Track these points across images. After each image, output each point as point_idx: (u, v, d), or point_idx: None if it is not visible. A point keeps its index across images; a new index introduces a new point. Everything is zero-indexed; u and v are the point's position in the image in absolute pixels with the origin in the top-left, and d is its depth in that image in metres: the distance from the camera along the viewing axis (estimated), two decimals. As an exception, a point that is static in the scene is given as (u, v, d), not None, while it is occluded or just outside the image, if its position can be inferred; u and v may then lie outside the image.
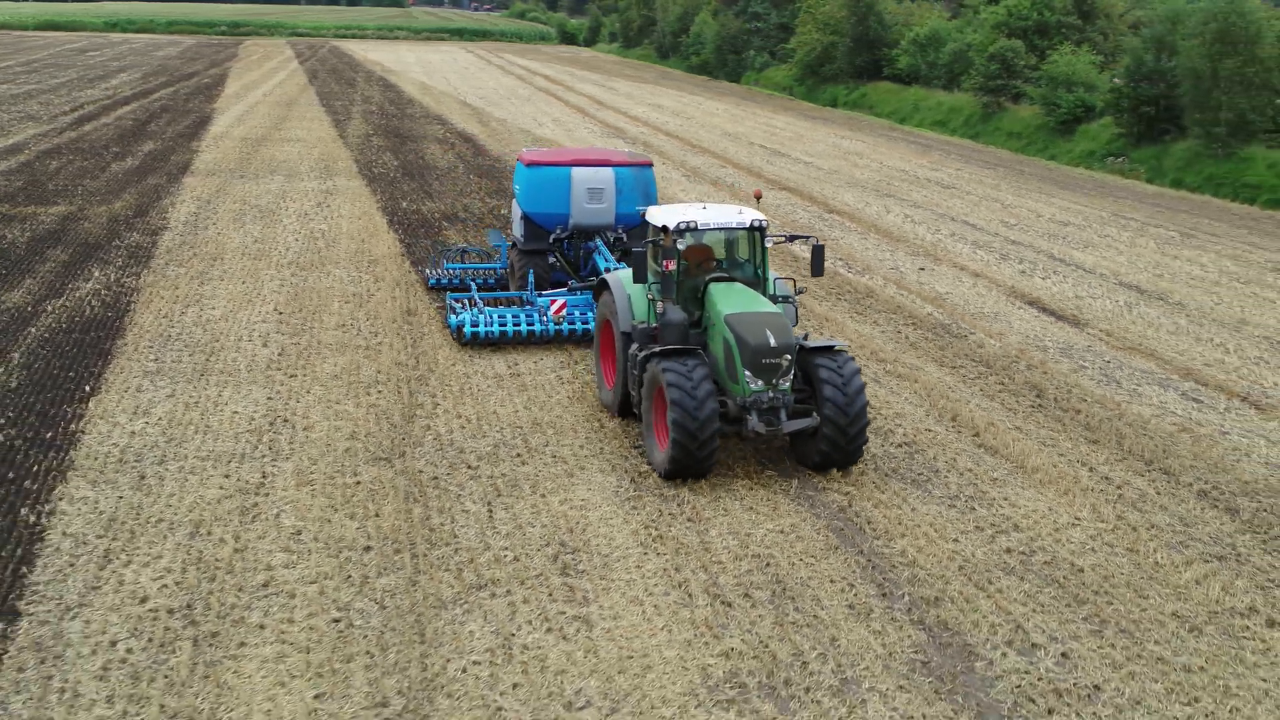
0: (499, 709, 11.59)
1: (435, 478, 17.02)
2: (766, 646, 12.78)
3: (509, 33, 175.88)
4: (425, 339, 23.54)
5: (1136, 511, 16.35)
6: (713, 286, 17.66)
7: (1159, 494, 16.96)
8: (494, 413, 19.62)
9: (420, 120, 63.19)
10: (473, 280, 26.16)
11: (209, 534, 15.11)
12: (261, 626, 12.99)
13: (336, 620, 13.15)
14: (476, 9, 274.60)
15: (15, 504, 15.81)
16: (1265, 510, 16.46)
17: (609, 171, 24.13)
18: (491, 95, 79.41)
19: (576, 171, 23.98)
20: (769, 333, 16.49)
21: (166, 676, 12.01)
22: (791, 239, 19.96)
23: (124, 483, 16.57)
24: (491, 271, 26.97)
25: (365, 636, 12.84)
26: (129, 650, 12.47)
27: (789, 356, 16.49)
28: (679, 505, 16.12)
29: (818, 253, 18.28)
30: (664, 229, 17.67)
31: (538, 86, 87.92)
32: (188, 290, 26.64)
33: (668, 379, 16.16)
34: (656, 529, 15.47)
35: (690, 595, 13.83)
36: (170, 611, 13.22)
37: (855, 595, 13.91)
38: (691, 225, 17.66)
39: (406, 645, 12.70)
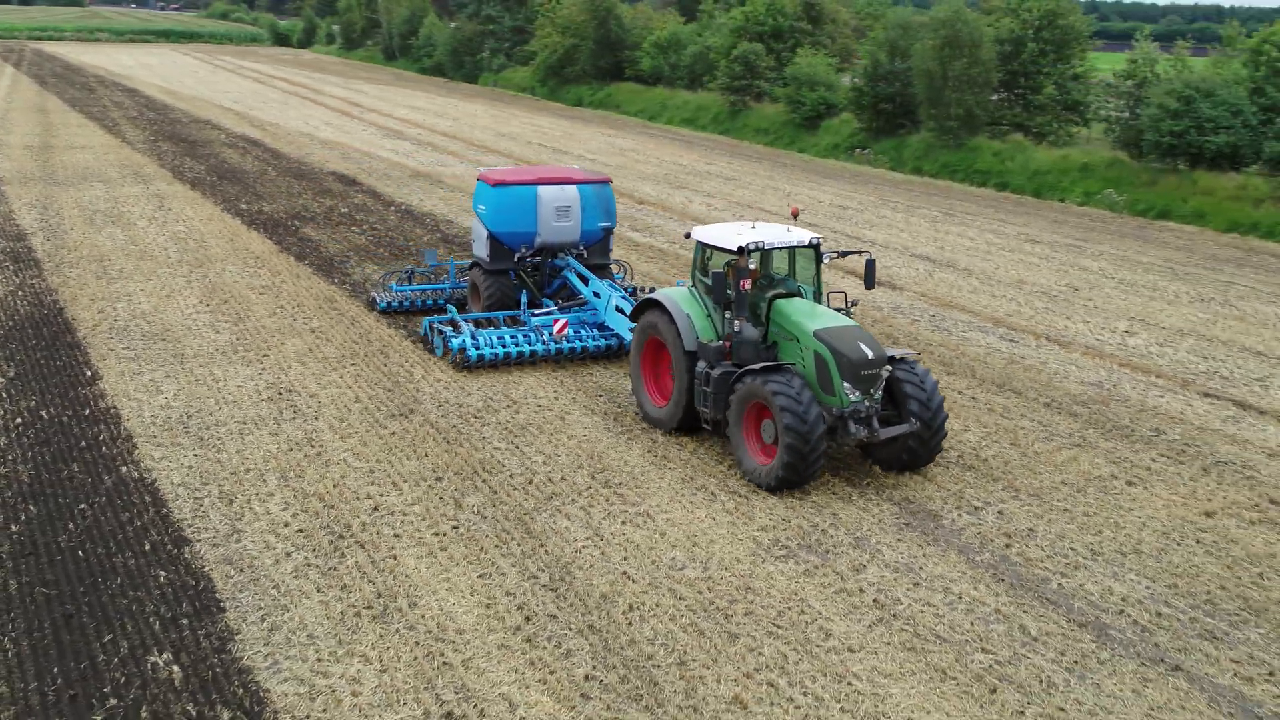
0: (624, 573, 15.23)
1: (454, 426, 20.24)
2: (789, 522, 16.85)
3: (218, 34, 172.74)
4: (360, 321, 26.38)
5: (1007, 419, 21.31)
6: (779, 303, 18.29)
7: (1016, 407, 22.00)
8: (465, 378, 22.82)
9: (190, 125, 63.87)
10: (423, 301, 26.59)
11: (300, 476, 17.97)
12: (397, 536, 16.12)
13: (455, 528, 16.40)
14: (163, 8, 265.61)
15: (113, 463, 18.18)
16: (1095, 413, 21.73)
17: (574, 190, 24.62)
18: (243, 99, 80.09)
19: (543, 190, 24.33)
20: (863, 346, 17.27)
21: (352, 572, 15.04)
22: (844, 254, 20.22)
23: (187, 444, 19.08)
24: (440, 293, 26.76)
25: (485, 536, 16.17)
26: (306, 557, 15.41)
27: (887, 368, 17.59)
28: (670, 436, 19.95)
29: (870, 266, 18.99)
30: (740, 250, 18.07)
31: (282, 89, 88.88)
32: (101, 289, 28.40)
33: (777, 397, 16.71)
34: (659, 452, 19.30)
35: (713, 494, 17.74)
36: (315, 531, 16.15)
37: (838, 486, 18.18)
38: (761, 245, 18.23)
39: (521, 540, 16.12)
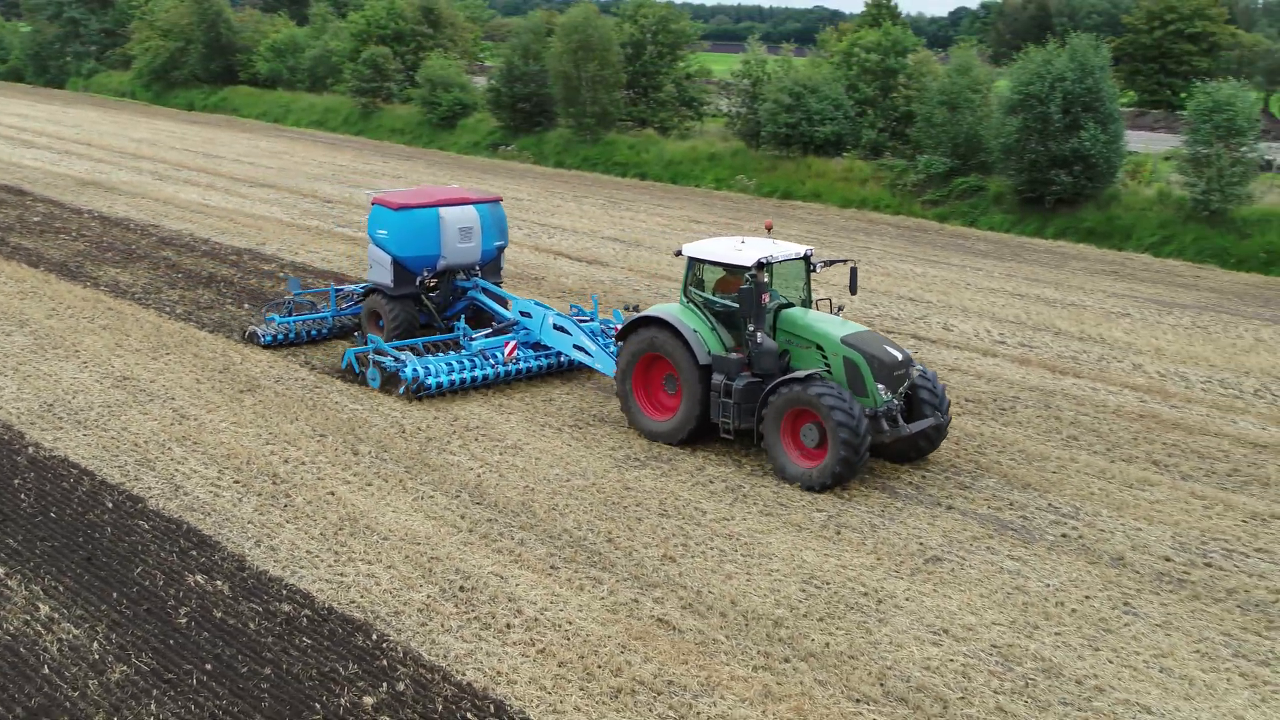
0: (526, 487, 18.93)
1: (303, 395, 23.01)
2: (631, 442, 21.02)
3: None
4: (143, 318, 28.13)
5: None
6: (787, 313, 19.33)
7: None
8: (287, 354, 25.36)
9: None
10: (309, 332, 26.02)
11: (198, 443, 20.40)
12: (320, 479, 19.06)
13: (368, 469, 19.54)
14: None
15: (16, 448, 19.90)
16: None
17: (473, 210, 24.68)
18: None
19: (446, 212, 24.27)
20: (890, 349, 18.63)
21: (307, 507, 17.95)
22: (830, 264, 21.13)
23: (71, 428, 20.93)
24: (322, 322, 26.19)
25: (395, 474, 19.37)
26: (259, 501, 18.15)
27: (916, 368, 19.11)
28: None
29: (854, 274, 20.10)
30: (759, 265, 18.94)
31: None
32: None
33: (829, 403, 17.77)
34: (500, 403, 22.97)
35: (558, 429, 21.65)
36: (250, 480, 18.82)
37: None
38: (772, 259, 19.15)
39: (427, 472, 19.46)
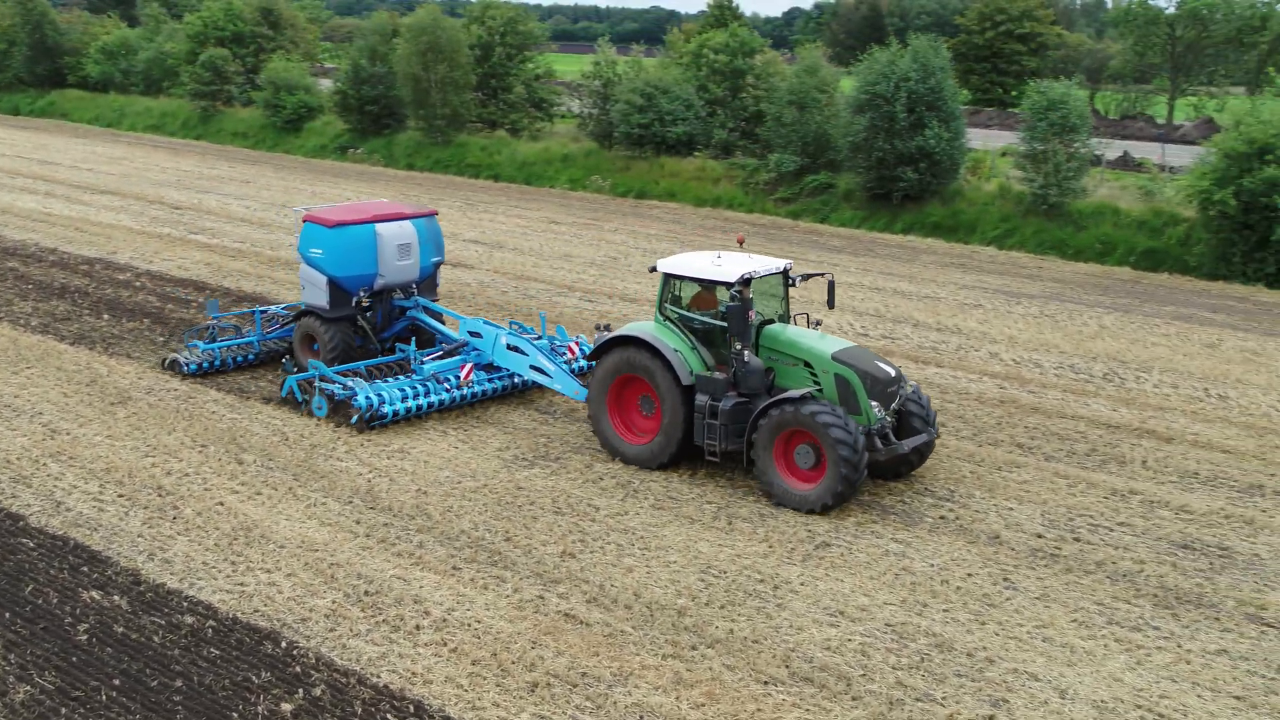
0: (419, 490, 19.03)
1: (177, 407, 22.65)
2: (517, 443, 21.26)
3: None
4: (68, 355, 27.33)
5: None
6: (769, 329, 18.92)
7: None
8: (157, 373, 24.92)
9: None
10: (234, 359, 24.60)
11: (74, 458, 19.94)
12: (207, 490, 18.85)
13: (255, 478, 19.40)
14: None
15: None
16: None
17: (410, 225, 23.58)
18: None
19: (383, 229, 23.15)
20: (882, 365, 18.33)
21: (197, 518, 17.75)
22: (807, 277, 20.41)
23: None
24: (249, 347, 24.76)
25: (284, 481, 19.27)
26: (146, 514, 17.89)
27: (910, 383, 18.97)
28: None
29: (831, 286, 19.68)
30: (746, 281, 18.47)
31: None
32: None
33: (829, 425, 17.26)
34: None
35: (444, 431, 21.76)
36: (134, 494, 18.50)
37: (518, 412, 22.80)
38: (755, 274, 18.67)
39: (316, 479, 19.39)
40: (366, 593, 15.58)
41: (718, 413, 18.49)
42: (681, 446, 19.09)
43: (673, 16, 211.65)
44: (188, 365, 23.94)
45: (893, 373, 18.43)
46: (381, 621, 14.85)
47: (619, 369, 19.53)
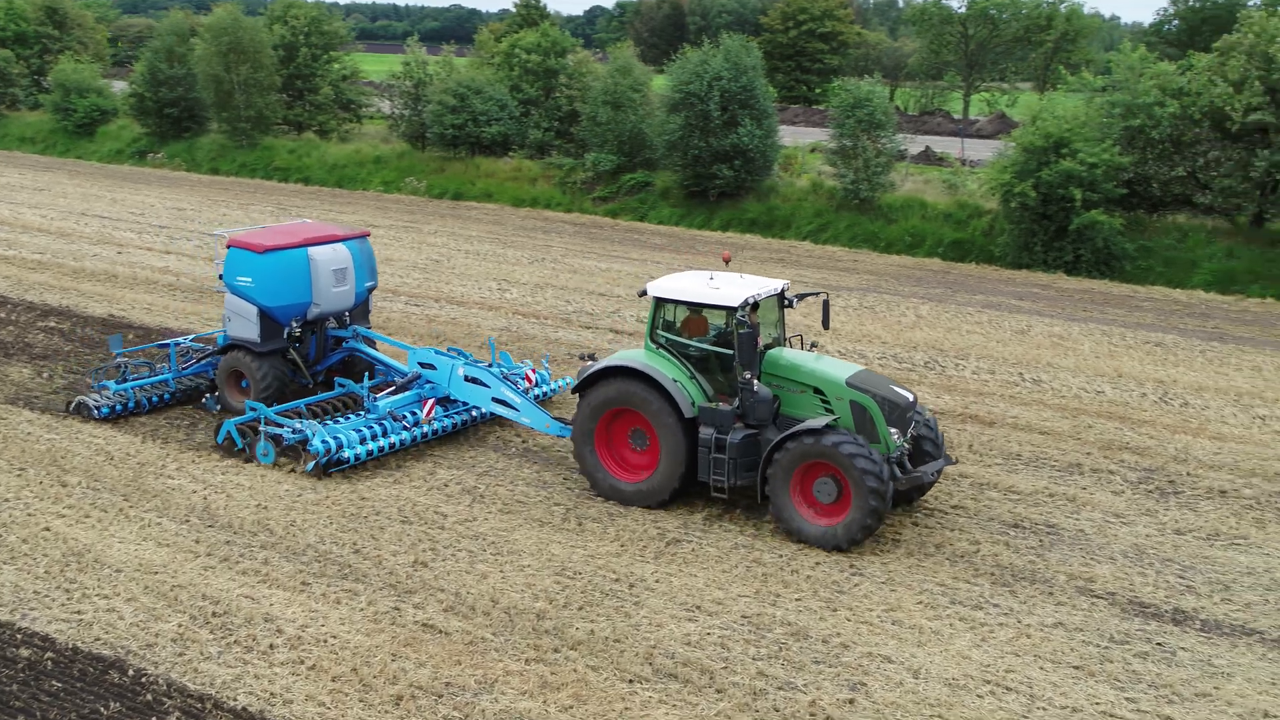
0: (259, 505, 18.53)
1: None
2: (354, 451, 20.94)
3: None
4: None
5: (482, 353, 26.60)
6: (771, 355, 17.87)
7: (461, 341, 27.34)
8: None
9: None
10: (149, 399, 22.40)
11: None
12: (31, 515, 17.99)
13: (82, 500, 18.60)
14: None
15: None
16: (519, 346, 27.71)
17: (344, 248, 21.93)
18: None
19: (316, 253, 21.40)
20: (897, 389, 17.49)
21: (23, 545, 16.91)
22: (802, 297, 19.40)
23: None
24: (164, 386, 22.60)
25: (114, 503, 18.52)
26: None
27: (925, 409, 18.31)
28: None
29: (826, 306, 18.76)
30: (753, 306, 17.55)
31: None
32: None
33: (855, 457, 16.25)
34: (198, 428, 22.26)
35: (276, 442, 21.30)
36: None
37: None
38: (757, 297, 17.57)
39: (148, 499, 18.71)
40: (214, 614, 15.09)
41: (725, 446, 17.34)
42: (683, 482, 17.89)
43: (474, 15, 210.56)
44: (98, 409, 21.63)
45: (910, 397, 17.57)
46: (233, 643, 14.40)
47: (609, 402, 18.08)
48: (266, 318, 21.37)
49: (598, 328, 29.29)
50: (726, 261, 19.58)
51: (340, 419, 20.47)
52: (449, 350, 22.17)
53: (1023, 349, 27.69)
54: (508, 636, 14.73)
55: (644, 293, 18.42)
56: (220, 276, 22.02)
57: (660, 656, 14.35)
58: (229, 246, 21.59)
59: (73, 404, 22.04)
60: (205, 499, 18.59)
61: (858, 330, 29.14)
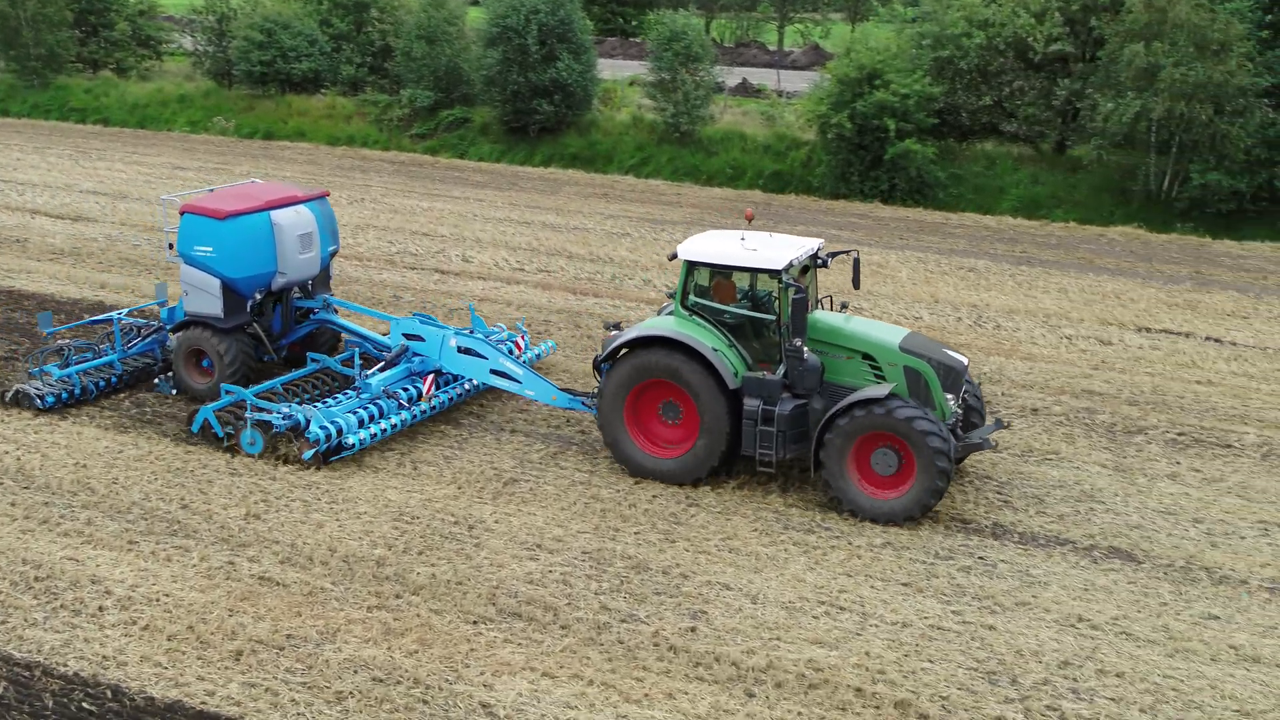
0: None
1: None
2: (200, 441, 20.34)
3: None
4: None
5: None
6: (810, 318, 16.93)
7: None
8: None
9: None
10: (97, 384, 20.37)
11: None
12: None
13: None
14: None
15: None
16: (374, 291, 27.16)
17: (308, 210, 20.24)
18: None
19: (279, 217, 19.68)
20: (950, 353, 16.91)
21: None
22: (833, 256, 18.15)
23: None
24: (110, 368, 20.65)
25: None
26: None
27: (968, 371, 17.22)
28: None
29: (857, 264, 17.82)
30: (802, 267, 16.89)
31: None
32: None
33: (923, 428, 15.55)
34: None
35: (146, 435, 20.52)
36: None
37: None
38: (802, 258, 16.68)
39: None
40: (36, 578, 14.57)
41: (773, 418, 16.43)
42: (724, 458, 17.00)
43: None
44: (44, 398, 19.53)
45: (964, 361, 16.96)
46: (59, 607, 13.94)
47: (640, 374, 16.95)
48: (230, 291, 19.62)
49: (422, 268, 28.92)
50: (749, 220, 18.40)
51: (328, 400, 18.77)
52: (414, 316, 20.34)
53: (844, 279, 28.28)
54: (348, 585, 14.59)
55: (674, 255, 17.25)
56: (171, 246, 20.32)
57: (503, 596, 14.40)
58: (183, 213, 19.67)
59: (9, 394, 19.80)
60: (19, 460, 17.85)
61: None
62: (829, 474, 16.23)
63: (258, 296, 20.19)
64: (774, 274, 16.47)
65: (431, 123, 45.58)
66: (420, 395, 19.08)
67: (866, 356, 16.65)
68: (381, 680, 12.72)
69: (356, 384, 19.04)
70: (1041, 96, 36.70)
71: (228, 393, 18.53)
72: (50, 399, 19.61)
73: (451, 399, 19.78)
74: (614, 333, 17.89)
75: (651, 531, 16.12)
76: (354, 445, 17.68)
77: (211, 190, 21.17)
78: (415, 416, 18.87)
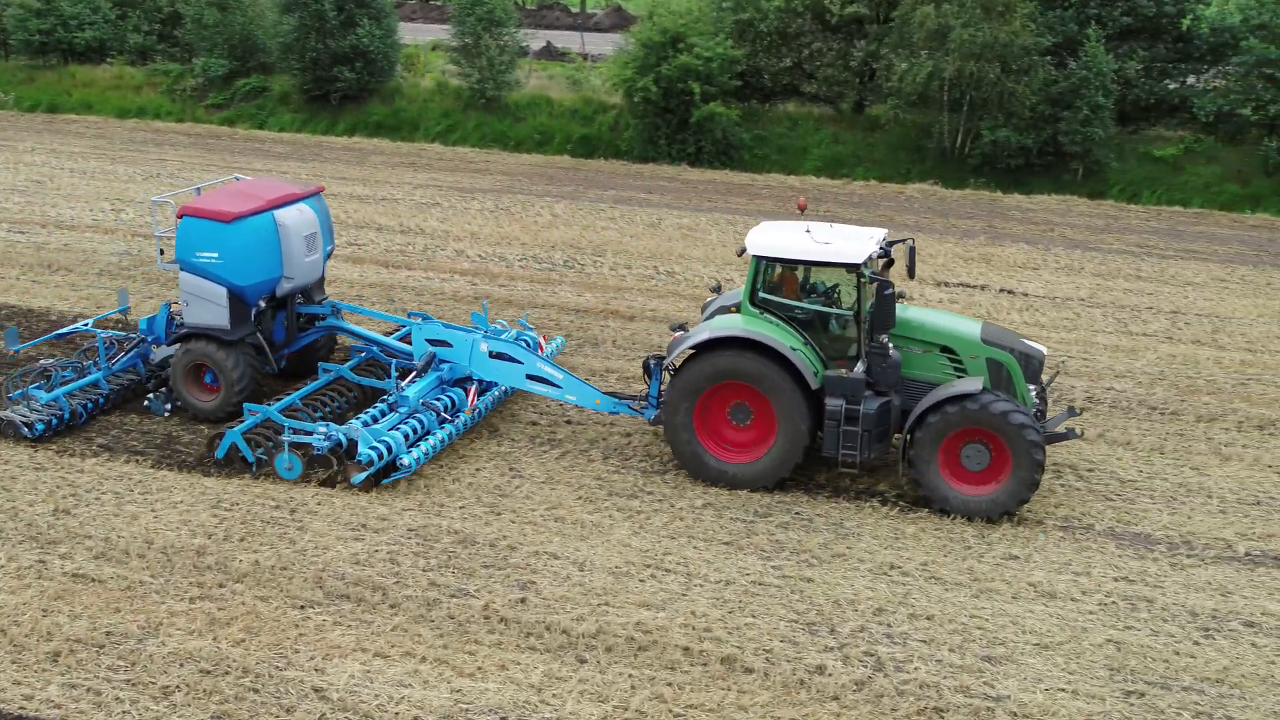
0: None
1: None
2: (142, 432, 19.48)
3: None
4: None
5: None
6: None
7: (71, 282, 25.66)
8: None
9: None
10: (85, 406, 18.52)
11: None
12: None
13: None
14: None
15: None
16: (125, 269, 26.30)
17: (310, 209, 18.78)
18: None
19: (284, 217, 18.18)
20: (1030, 344, 16.70)
21: None
22: (891, 245, 17.26)
23: None
24: (96, 388, 18.80)
25: None
26: None
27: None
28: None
29: (912, 252, 16.93)
30: (889, 261, 16.53)
31: None
32: None
33: (1020, 422, 15.23)
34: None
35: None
36: None
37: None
38: (879, 249, 16.27)
39: None
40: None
41: (858, 417, 15.90)
42: (801, 460, 16.45)
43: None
44: (33, 426, 17.66)
45: (1043, 350, 16.83)
46: None
47: (715, 377, 16.31)
48: (237, 299, 18.07)
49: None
50: (802, 209, 17.96)
51: (361, 417, 17.28)
52: (410, 316, 19.26)
53: (655, 242, 28.75)
54: (168, 577, 14.31)
55: (743, 251, 16.63)
56: (162, 252, 19.16)
57: (330, 579, 14.33)
58: (182, 216, 18.01)
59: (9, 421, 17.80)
60: None
61: (496, 233, 29.37)
62: (918, 470, 15.88)
63: (261, 304, 18.69)
64: (852, 268, 16.04)
65: (227, 92, 44.26)
66: (455, 405, 17.99)
67: (945, 349, 16.35)
68: (209, 671, 12.54)
69: (392, 397, 17.69)
70: (839, 58, 37.64)
71: (250, 412, 17.14)
72: (40, 426, 17.73)
73: (489, 406, 18.72)
74: (680, 334, 17.21)
75: (477, 505, 16.21)
76: (410, 465, 16.39)
77: (199, 190, 20.00)
78: (458, 429, 17.73)
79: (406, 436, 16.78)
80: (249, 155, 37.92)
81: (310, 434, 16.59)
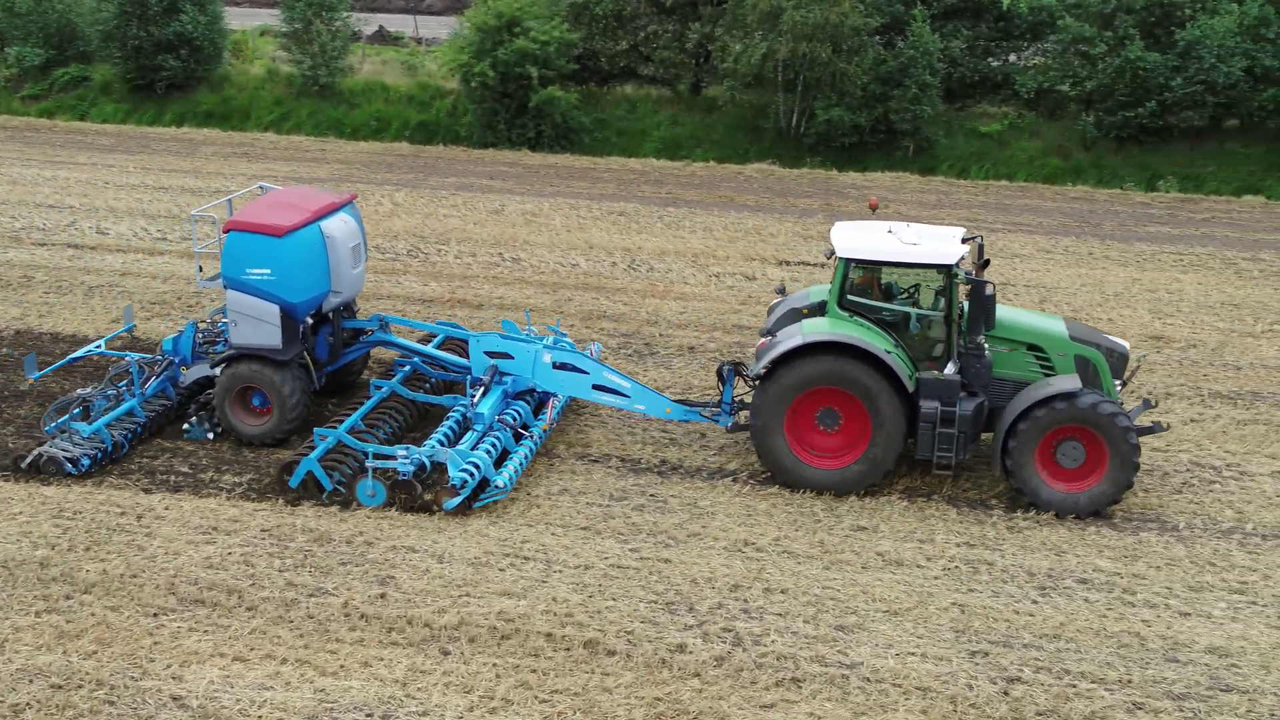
0: None
1: None
2: None
3: None
4: None
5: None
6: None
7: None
8: None
9: None
10: (128, 435, 17.48)
11: None
12: None
13: None
14: None
15: None
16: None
17: (351, 219, 18.02)
18: None
19: (331, 228, 17.31)
20: (1113, 339, 16.66)
21: None
22: (964, 242, 16.58)
23: None
24: (132, 417, 17.61)
25: None
26: None
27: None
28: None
29: (981, 247, 16.89)
30: (985, 262, 16.32)
31: None
32: None
33: (1124, 424, 15.30)
34: None
35: None
36: None
37: None
38: (966, 252, 16.07)
39: None
40: None
41: (954, 419, 15.79)
42: (895, 463, 16.27)
43: None
44: (78, 462, 16.57)
45: (1127, 345, 16.88)
46: None
47: (807, 382, 16.00)
48: (288, 317, 17.10)
49: (53, 244, 27.22)
50: (874, 209, 17.86)
51: (439, 435, 16.65)
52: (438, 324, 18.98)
53: (499, 228, 28.71)
54: (11, 591, 13.93)
55: (831, 253, 16.33)
56: (201, 269, 18.21)
57: (183, 584, 14.11)
58: (228, 231, 17.00)
59: (33, 459, 16.64)
60: None
61: (336, 223, 28.85)
62: (1014, 469, 15.81)
63: (309, 321, 17.93)
64: (944, 269, 15.98)
65: (45, 83, 42.60)
66: (522, 419, 17.49)
67: (1032, 347, 16.30)
68: (61, 686, 12.23)
69: (467, 414, 17.01)
70: (675, 40, 37.99)
71: (321, 437, 16.36)
72: (85, 461, 16.64)
73: (555, 418, 18.15)
74: (768, 339, 16.82)
75: (331, 502, 16.04)
76: (505, 486, 15.89)
77: (230, 201, 19.13)
78: (536, 444, 17.20)
79: (490, 453, 16.27)
80: (71, 148, 36.63)
81: (392, 457, 15.94)
